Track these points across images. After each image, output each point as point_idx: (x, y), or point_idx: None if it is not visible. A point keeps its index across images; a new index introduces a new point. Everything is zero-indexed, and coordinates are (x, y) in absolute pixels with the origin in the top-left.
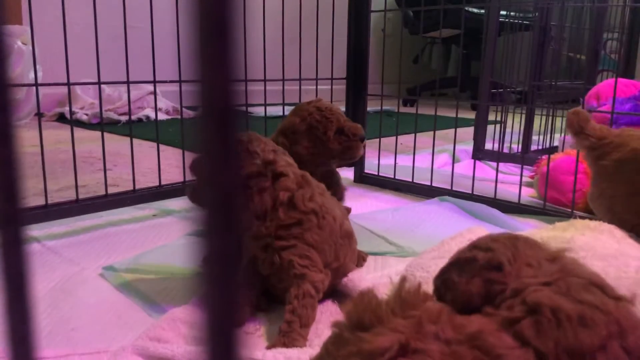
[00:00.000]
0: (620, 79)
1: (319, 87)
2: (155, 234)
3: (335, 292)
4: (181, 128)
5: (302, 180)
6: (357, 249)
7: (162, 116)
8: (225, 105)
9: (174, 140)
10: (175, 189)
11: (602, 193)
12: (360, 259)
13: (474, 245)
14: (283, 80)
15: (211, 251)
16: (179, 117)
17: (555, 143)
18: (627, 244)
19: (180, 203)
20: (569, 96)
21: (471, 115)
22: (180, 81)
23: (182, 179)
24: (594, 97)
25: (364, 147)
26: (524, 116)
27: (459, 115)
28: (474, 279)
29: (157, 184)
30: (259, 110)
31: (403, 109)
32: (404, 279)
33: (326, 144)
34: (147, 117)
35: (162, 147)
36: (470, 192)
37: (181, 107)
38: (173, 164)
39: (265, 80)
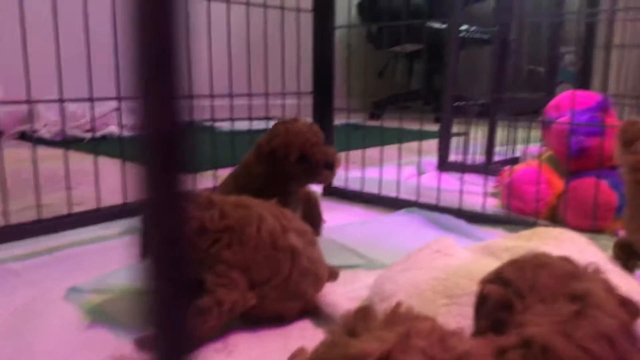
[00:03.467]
0: (578, 91)
1: (286, 101)
2: (122, 253)
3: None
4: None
5: (207, 203)
6: (328, 265)
7: (127, 133)
8: (170, 126)
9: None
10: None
11: None
12: (332, 275)
13: (492, 278)
14: (249, 95)
15: (160, 274)
16: None
17: (517, 154)
18: (589, 252)
19: None
20: (530, 108)
21: (435, 127)
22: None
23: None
24: (553, 109)
25: (334, 172)
26: (486, 128)
27: (424, 128)
28: (482, 321)
29: (122, 201)
30: (225, 125)
31: (369, 122)
32: (399, 304)
33: (287, 168)
34: (112, 134)
35: (127, 164)
36: (436, 203)
37: None
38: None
39: (231, 96)
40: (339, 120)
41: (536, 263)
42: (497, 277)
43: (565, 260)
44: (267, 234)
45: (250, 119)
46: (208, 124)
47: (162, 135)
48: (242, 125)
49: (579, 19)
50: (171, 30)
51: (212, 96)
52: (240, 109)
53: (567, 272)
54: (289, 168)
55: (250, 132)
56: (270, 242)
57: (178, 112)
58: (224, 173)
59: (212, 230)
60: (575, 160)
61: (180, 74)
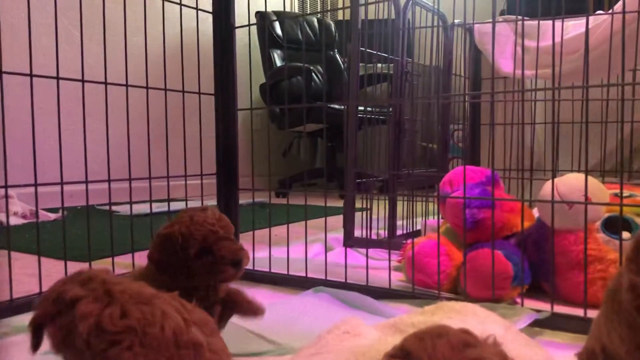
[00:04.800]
0: (468, 166)
1: (188, 182)
2: (6, 356)
3: None
4: (37, 233)
5: (106, 296)
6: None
7: (17, 220)
8: None
9: (31, 247)
10: (31, 302)
11: None
12: None
13: (395, 351)
14: (150, 178)
15: None
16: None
17: (418, 227)
18: (490, 322)
19: None
20: (426, 183)
21: (340, 203)
22: (35, 185)
23: (38, 290)
24: (447, 184)
25: (241, 271)
26: (387, 203)
27: (329, 204)
28: None
29: (8, 297)
30: (124, 209)
31: (275, 200)
32: None
33: (187, 262)
34: (0, 223)
35: (17, 254)
36: (344, 280)
37: (37, 210)
38: (29, 273)
39: (130, 180)
40: (244, 199)
41: (436, 333)
42: (399, 350)
43: (464, 331)
44: (171, 332)
45: (150, 201)
46: (105, 208)
47: None
48: (142, 208)
49: (464, 100)
50: None
51: (109, 180)
52: (140, 191)
53: (464, 341)
54: (188, 261)
55: (151, 216)
56: (174, 341)
57: None
58: (122, 260)
59: (111, 331)
60: (470, 232)
61: None
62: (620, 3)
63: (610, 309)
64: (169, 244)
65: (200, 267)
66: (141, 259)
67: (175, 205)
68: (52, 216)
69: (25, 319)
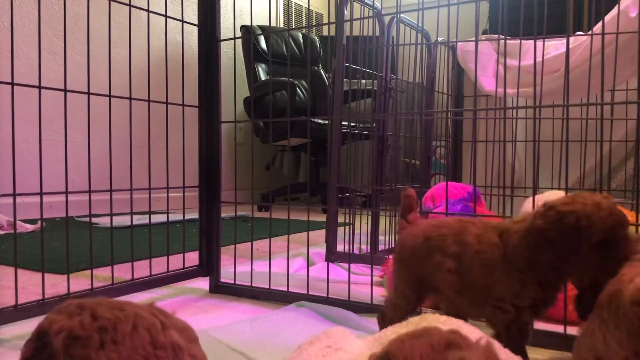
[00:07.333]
0: (450, 183)
1: (170, 194)
2: None
3: None
4: (14, 244)
5: (77, 308)
6: None
7: None
8: None
9: (7, 258)
10: (6, 313)
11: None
12: None
13: (378, 354)
14: (131, 190)
15: None
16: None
17: None
18: (474, 337)
19: (13, 330)
20: None
21: (322, 217)
22: (14, 194)
23: (14, 302)
24: (429, 200)
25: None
26: (370, 218)
27: (311, 219)
28: None
29: None
30: (105, 221)
31: (257, 214)
32: None
33: (574, 251)
34: None
35: None
36: (326, 295)
37: (15, 220)
38: (5, 285)
39: (111, 191)
40: (226, 212)
41: (418, 334)
42: (382, 352)
43: (452, 332)
44: (145, 331)
45: (131, 213)
46: (84, 219)
47: None
48: (122, 221)
49: (447, 117)
50: None
51: (90, 191)
52: (121, 203)
53: (447, 341)
54: (579, 251)
55: (131, 228)
56: (150, 340)
57: None
58: (101, 273)
59: (84, 336)
60: None
61: None
62: (599, 25)
63: (608, 314)
64: (569, 223)
65: (595, 260)
66: (121, 271)
67: (157, 218)
68: (30, 227)
69: (1, 331)
